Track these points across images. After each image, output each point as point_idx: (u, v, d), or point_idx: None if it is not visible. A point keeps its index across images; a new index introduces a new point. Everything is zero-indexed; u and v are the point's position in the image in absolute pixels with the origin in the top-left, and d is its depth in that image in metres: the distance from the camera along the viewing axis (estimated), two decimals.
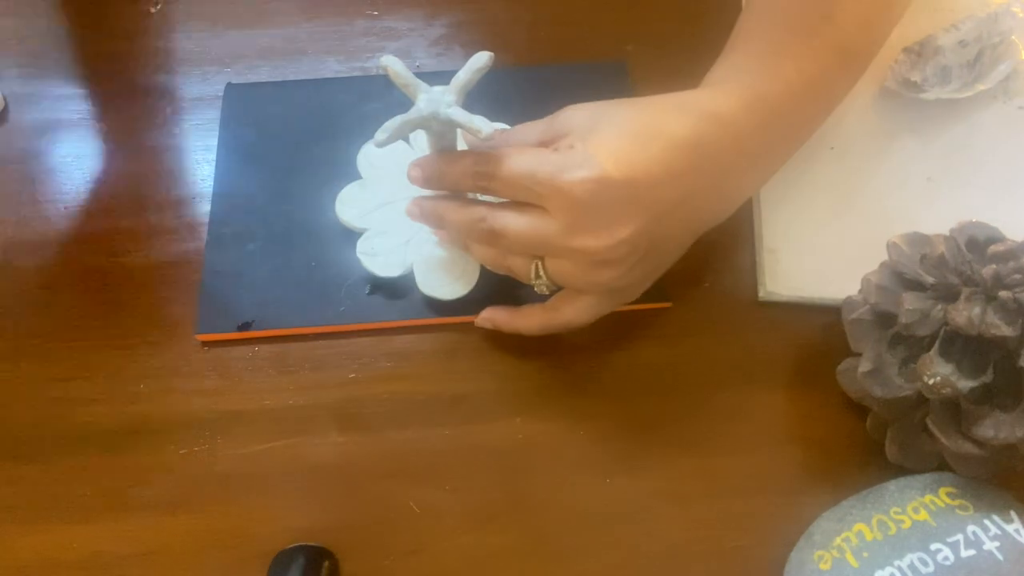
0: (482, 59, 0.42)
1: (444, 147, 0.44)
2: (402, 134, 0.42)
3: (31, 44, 0.58)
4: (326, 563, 0.41)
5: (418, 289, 0.48)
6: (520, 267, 0.44)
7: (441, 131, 0.43)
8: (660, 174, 0.40)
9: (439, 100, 0.41)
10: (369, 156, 0.52)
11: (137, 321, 0.48)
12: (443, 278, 0.48)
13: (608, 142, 0.40)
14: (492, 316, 0.47)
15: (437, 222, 0.46)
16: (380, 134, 0.41)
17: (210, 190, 0.52)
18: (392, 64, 0.42)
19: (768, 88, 0.44)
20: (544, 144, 0.42)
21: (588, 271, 0.42)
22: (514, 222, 0.42)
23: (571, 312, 0.45)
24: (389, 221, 0.49)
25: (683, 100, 0.43)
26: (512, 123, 0.52)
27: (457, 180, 0.44)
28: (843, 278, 0.45)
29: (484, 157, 0.42)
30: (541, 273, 0.43)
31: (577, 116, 0.43)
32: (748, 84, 0.44)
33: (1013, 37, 0.55)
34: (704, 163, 0.41)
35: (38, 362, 0.47)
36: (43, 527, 0.43)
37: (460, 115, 0.41)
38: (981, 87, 0.54)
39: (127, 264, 0.50)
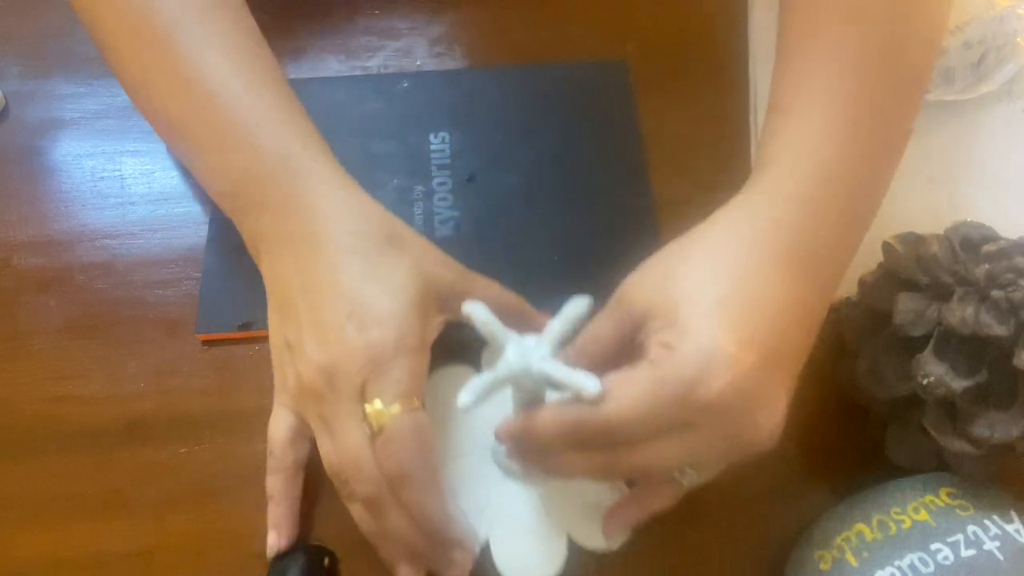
0: (580, 307, 0.35)
1: (532, 403, 0.36)
2: (490, 394, 0.34)
3: (31, 44, 0.58)
4: (326, 562, 0.41)
5: (496, 572, 0.41)
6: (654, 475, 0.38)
7: (533, 388, 0.36)
8: (782, 324, 0.34)
9: (531, 352, 0.34)
10: (435, 392, 0.43)
11: (137, 320, 0.48)
12: (527, 557, 0.41)
13: (713, 326, 0.33)
14: (623, 517, 0.40)
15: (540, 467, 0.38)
16: (466, 395, 0.34)
17: None
18: (478, 312, 0.35)
19: (846, 163, 0.38)
20: (623, 342, 0.36)
21: (747, 449, 0.35)
22: (659, 455, 0.35)
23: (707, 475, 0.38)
24: (460, 480, 0.42)
25: (749, 227, 0.37)
26: (513, 124, 0.52)
27: (568, 469, 0.36)
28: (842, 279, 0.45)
29: (594, 438, 0.34)
30: (687, 470, 0.36)
31: (643, 295, 0.36)
32: (823, 163, 0.38)
33: (1018, 39, 0.55)
34: (807, 277, 0.36)
35: (38, 362, 0.47)
36: (43, 526, 0.43)
37: (558, 370, 0.34)
38: (985, 89, 0.54)
39: (127, 263, 0.50)
